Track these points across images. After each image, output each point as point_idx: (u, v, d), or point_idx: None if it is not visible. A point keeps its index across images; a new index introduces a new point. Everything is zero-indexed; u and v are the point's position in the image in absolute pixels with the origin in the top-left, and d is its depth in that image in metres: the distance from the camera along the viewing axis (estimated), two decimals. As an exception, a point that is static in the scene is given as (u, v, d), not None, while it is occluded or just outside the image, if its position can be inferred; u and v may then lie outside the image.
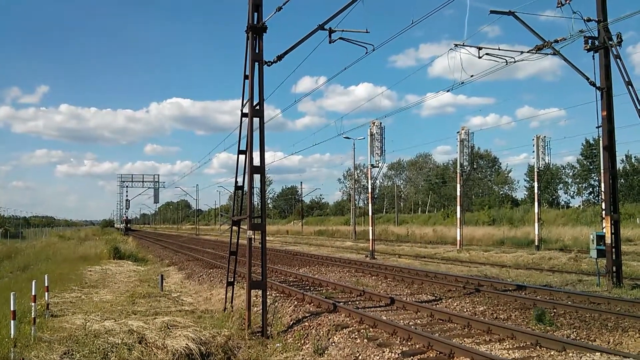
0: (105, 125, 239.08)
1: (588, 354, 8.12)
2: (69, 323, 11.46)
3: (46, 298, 12.84)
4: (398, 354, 8.69)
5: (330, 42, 12.90)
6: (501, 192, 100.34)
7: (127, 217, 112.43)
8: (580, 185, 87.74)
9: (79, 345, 9.28)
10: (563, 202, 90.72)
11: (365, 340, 9.72)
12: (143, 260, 31.93)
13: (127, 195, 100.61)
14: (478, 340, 9.62)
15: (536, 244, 36.03)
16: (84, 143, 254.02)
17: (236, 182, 13.34)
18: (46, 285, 12.84)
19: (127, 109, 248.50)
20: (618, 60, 15.97)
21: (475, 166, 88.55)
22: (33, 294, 10.48)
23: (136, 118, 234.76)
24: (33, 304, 10.41)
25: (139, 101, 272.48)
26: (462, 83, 18.61)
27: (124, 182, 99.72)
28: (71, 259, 28.18)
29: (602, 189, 16.99)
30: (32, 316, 10.23)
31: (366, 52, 13.98)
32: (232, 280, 13.66)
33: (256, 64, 11.88)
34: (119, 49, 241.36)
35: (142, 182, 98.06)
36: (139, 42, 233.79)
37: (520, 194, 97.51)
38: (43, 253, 32.51)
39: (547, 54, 17.24)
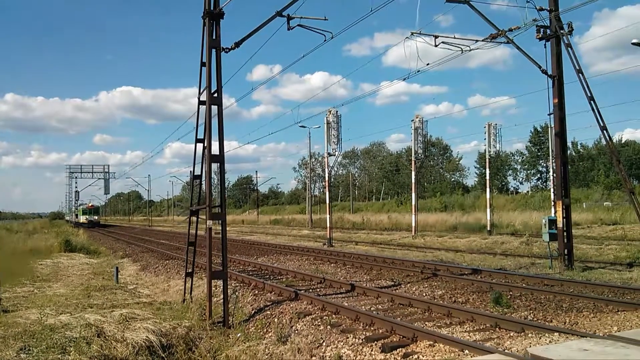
0: (52, 114, 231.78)
1: (547, 334, 8.35)
2: (23, 318, 11.09)
3: (-3, 293, 12.41)
4: (362, 339, 8.74)
5: (288, 29, 12.84)
6: (452, 179, 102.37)
7: (93, 205, 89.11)
8: (528, 172, 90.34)
9: (35, 341, 8.99)
10: (512, 188, 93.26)
11: (329, 326, 9.75)
12: (95, 252, 31.18)
13: (76, 187, 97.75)
14: (439, 324, 9.77)
15: (488, 229, 36.86)
16: (30, 133, 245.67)
17: (193, 171, 13.12)
18: (-3, 279, 12.41)
19: (75, 97, 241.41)
20: (569, 48, 16.38)
21: (427, 154, 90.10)
22: (-16, 289, 10.10)
23: (85, 107, 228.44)
24: (-15, 299, 10.04)
25: (88, 90, 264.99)
26: (418, 71, 18.87)
27: (72, 173, 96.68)
28: (20, 253, 27.25)
29: (554, 175, 17.47)
30: (-15, 312, 9.87)
31: (325, 40, 13.98)
32: (190, 271, 13.47)
33: (213, 50, 11.68)
34: (67, 36, 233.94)
35: (92, 172, 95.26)
36: (88, 29, 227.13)
37: (470, 181, 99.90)
38: (-11, 247, 31.34)
39: (501, 43, 17.58)
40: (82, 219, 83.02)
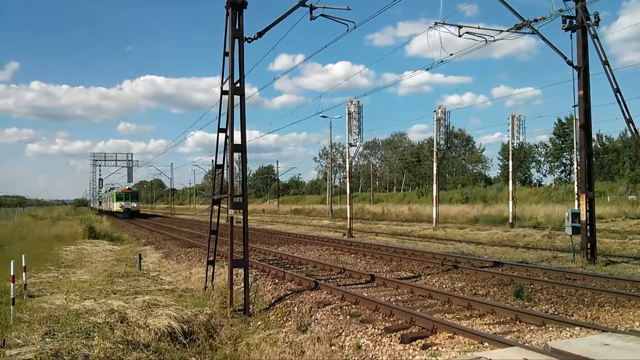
0: (77, 103, 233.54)
1: (568, 328, 8.31)
2: (48, 303, 11.33)
3: (24, 278, 12.64)
4: (381, 330, 8.79)
5: (311, 19, 12.79)
6: (474, 171, 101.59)
7: (130, 189, 70.23)
8: (552, 164, 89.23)
9: (60, 325, 9.18)
10: (535, 181, 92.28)
11: (348, 316, 9.81)
12: (119, 239, 31.60)
13: (100, 175, 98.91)
14: (459, 316, 9.77)
15: (510, 221, 36.55)
16: (55, 121, 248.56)
17: (216, 160, 13.21)
18: (24, 265, 12.63)
19: (99, 86, 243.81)
20: (595, 39, 16.11)
21: (449, 145, 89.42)
22: (12, 274, 10.32)
23: (109, 96, 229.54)
24: (12, 284, 10.26)
25: (112, 78, 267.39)
26: (441, 61, 18.69)
27: (96, 161, 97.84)
28: (46, 239, 27.80)
29: (578, 167, 17.26)
30: (11, 297, 10.09)
31: (347, 30, 13.91)
32: (212, 259, 13.60)
33: (236, 40, 11.72)
34: (91, 25, 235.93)
35: (115, 161, 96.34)
36: (111, 18, 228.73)
37: (493, 173, 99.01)
38: (16, 233, 31.96)
39: (526, 33, 17.34)
40: (116, 206, 66.10)
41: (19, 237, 28.82)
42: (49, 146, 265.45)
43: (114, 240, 30.59)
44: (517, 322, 9.14)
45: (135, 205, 66.73)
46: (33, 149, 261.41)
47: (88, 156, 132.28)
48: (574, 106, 17.18)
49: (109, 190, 78.18)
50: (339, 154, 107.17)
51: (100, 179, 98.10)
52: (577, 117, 17.48)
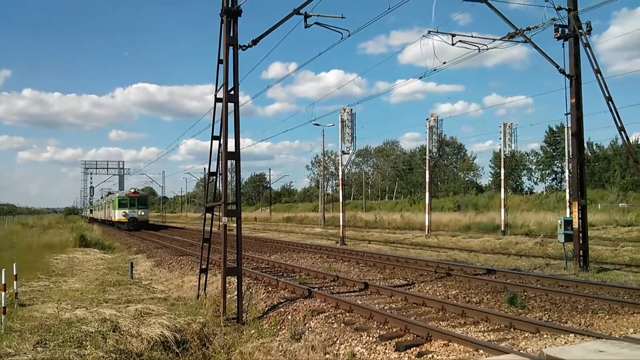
0: (69, 110, 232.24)
1: (562, 335, 8.31)
2: (39, 312, 11.21)
3: (15, 287, 12.53)
4: (376, 338, 8.75)
5: (305, 27, 12.86)
6: (466, 179, 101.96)
7: (136, 191, 54.22)
8: (543, 172, 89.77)
9: (52, 334, 9.09)
10: (526, 188, 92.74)
11: (342, 324, 9.76)
12: (110, 248, 31.37)
13: (91, 182, 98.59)
14: (453, 323, 9.75)
15: (502, 229, 36.64)
16: (46, 129, 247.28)
17: (209, 168, 13.17)
18: (15, 273, 12.52)
19: (92, 94, 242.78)
20: (587, 48, 16.24)
21: (441, 153, 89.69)
22: (3, 282, 10.22)
23: (101, 103, 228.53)
24: (3, 293, 10.15)
25: (104, 86, 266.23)
26: (434, 70, 18.75)
27: (87, 168, 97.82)
28: (36, 247, 27.56)
29: (570, 175, 17.33)
30: (2, 305, 9.98)
31: (342, 38, 13.97)
32: (205, 267, 13.52)
33: (231, 48, 11.72)
34: (83, 32, 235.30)
35: (107, 168, 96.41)
36: (104, 25, 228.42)
37: (484, 180, 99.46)
38: (6, 241, 31.66)
39: (519, 42, 17.45)
40: (118, 214, 52.44)
41: (8, 245, 28.55)
42: (40, 154, 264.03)
43: (105, 248, 30.35)
44: (512, 329, 9.13)
45: (143, 213, 53.05)
46: (24, 157, 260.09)
47: (79, 164, 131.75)
48: (566, 114, 17.30)
49: (108, 195, 65.76)
50: (331, 162, 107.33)
51: (91, 187, 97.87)
52: (569, 125, 17.59)
